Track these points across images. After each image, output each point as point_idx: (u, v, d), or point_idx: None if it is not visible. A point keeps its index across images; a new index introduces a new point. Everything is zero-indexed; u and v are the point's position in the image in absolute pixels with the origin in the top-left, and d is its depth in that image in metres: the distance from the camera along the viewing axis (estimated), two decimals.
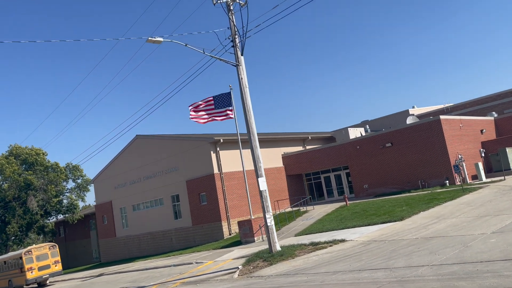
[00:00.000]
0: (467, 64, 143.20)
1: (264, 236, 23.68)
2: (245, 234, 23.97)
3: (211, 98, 24.85)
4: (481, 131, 32.64)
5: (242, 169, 31.67)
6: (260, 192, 15.48)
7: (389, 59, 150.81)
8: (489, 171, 30.28)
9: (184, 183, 32.54)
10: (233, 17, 15.99)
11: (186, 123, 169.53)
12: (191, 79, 25.30)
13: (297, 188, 35.91)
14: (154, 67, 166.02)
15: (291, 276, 11.69)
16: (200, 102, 24.79)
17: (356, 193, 32.52)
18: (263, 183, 15.47)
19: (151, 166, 35.59)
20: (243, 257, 18.36)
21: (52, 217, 60.90)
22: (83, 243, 60.91)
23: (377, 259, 11.25)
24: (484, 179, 27.54)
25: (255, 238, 23.51)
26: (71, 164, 55.97)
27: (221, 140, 30.54)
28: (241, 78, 15.95)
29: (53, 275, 30.40)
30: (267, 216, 15.26)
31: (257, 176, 15.57)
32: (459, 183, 27.36)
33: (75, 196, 58.05)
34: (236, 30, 15.97)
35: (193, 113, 24.73)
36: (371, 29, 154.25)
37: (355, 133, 39.40)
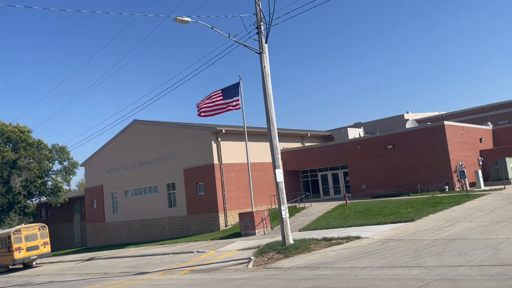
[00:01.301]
0: (460, 73, 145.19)
1: (266, 229, 23.49)
2: (246, 227, 23.69)
3: (220, 91, 24.45)
4: (480, 139, 32.96)
5: (241, 161, 31.49)
6: (277, 184, 15.22)
7: (385, 63, 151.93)
8: (485, 180, 30.55)
9: (182, 171, 32.06)
10: (260, 2, 15.64)
11: (187, 114, 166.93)
12: (205, 67, 24.78)
13: (293, 185, 35.78)
14: (162, 53, 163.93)
15: (313, 269, 11.46)
16: (207, 98, 24.38)
17: (353, 192, 32.49)
18: (280, 175, 15.20)
19: (148, 153, 34.98)
20: (248, 248, 18.09)
21: (35, 199, 59.64)
22: (65, 227, 59.82)
23: (403, 257, 11.09)
24: (482, 187, 27.76)
25: (256, 231, 23.24)
26: (58, 145, 54.61)
27: (223, 131, 30.14)
28: (264, 67, 15.62)
29: (41, 256, 29.63)
30: (282, 208, 15.01)
31: (274, 167, 15.30)
32: (458, 189, 27.59)
33: (61, 179, 56.90)
34: (262, 16, 15.63)
35: (202, 107, 24.29)
36: (367, 31, 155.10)
37: (354, 133, 39.45)
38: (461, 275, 8.14)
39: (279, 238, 18.87)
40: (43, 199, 58.35)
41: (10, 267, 30.28)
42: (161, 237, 33.17)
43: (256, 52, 15.75)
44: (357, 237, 14.77)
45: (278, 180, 15.14)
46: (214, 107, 24.44)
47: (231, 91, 24.43)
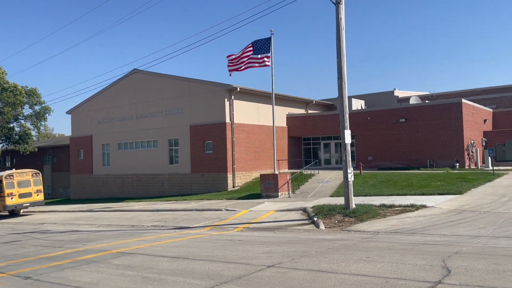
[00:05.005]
0: (445, 55, 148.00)
1: (291, 192, 22.91)
2: (268, 188, 23.01)
3: (250, 45, 23.14)
4: (484, 120, 33.57)
5: (251, 123, 30.53)
6: (344, 145, 14.49)
7: (366, 39, 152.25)
8: None
9: (188, 128, 30.66)
10: None
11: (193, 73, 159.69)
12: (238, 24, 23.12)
13: (295, 151, 35.29)
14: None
15: (409, 234, 10.97)
16: (239, 53, 23.12)
17: (358, 163, 32.40)
18: (348, 136, 14.48)
19: (148, 105, 33.15)
20: (288, 210, 17.49)
21: (1, 145, 56.15)
22: None
23: (505, 228, 10.80)
24: (490, 166, 28.38)
25: (279, 193, 22.62)
26: (27, 87, 51.06)
27: (238, 89, 28.86)
28: (340, 19, 14.55)
29: (34, 204, 27.72)
30: (348, 171, 14.36)
31: (343, 128, 14.52)
32: (467, 167, 28.08)
33: (31, 125, 53.66)
34: None
35: (230, 63, 23.08)
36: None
37: (356, 104, 39.18)
38: None
39: (316, 201, 18.44)
40: (9, 145, 54.88)
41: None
42: (158, 193, 31.94)
43: (332, 2, 14.62)
44: (423, 206, 14.44)
45: (346, 142, 14.42)
46: (242, 62, 23.22)
47: (262, 47, 23.18)
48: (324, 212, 14.58)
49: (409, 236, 10.78)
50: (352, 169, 14.65)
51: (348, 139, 14.46)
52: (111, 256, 9.92)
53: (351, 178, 14.40)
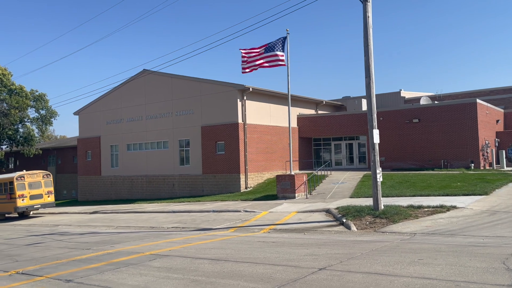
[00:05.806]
0: (452, 57, 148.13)
1: (307, 193, 22.65)
2: (284, 190, 22.74)
3: (266, 45, 22.88)
4: (497, 121, 33.37)
5: (263, 123, 30.30)
6: (373, 145, 14.26)
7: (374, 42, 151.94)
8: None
9: (199, 128, 30.39)
10: None
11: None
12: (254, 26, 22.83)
13: (306, 152, 35.03)
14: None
15: (448, 236, 10.71)
16: (251, 50, 22.81)
17: (369, 164, 32.17)
18: (376, 136, 14.25)
19: (158, 106, 32.89)
20: (311, 211, 17.21)
21: (5, 146, 55.85)
22: None
23: None
24: (505, 167, 28.20)
25: (296, 195, 22.37)
26: (36, 91, 50.96)
27: (250, 89, 28.60)
28: (368, 17, 14.33)
29: (45, 206, 27.45)
30: (377, 171, 14.11)
31: (371, 127, 14.29)
32: (482, 168, 27.86)
33: (36, 128, 53.50)
34: None
35: (244, 58, 22.74)
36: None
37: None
38: None
39: (337, 202, 18.19)
40: (13, 147, 54.66)
41: (6, 215, 28.03)
42: (169, 195, 31.66)
43: (359, 0, 14.39)
44: (454, 207, 14.18)
45: (375, 141, 14.19)
46: (257, 62, 22.93)
47: (276, 46, 22.92)
48: (352, 213, 14.32)
49: (449, 237, 10.52)
50: (380, 169, 14.40)
51: (376, 138, 14.24)
52: (147, 258, 9.65)
53: (379, 178, 14.15)
